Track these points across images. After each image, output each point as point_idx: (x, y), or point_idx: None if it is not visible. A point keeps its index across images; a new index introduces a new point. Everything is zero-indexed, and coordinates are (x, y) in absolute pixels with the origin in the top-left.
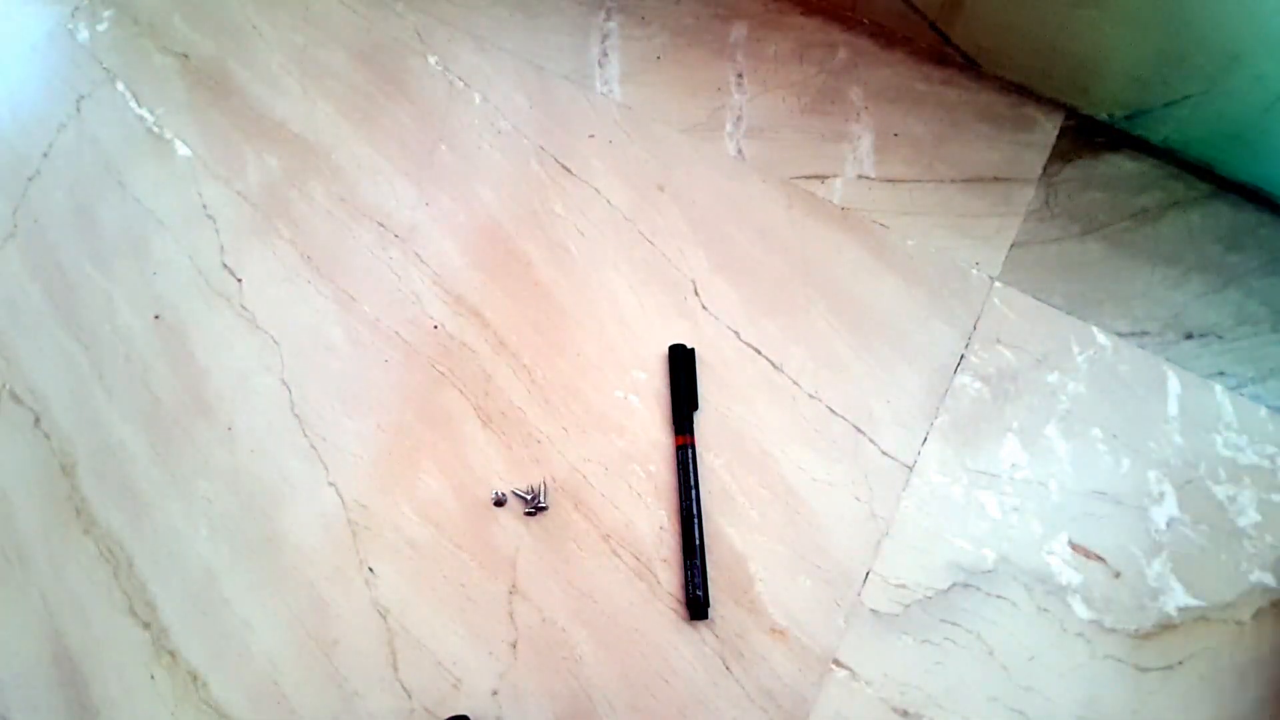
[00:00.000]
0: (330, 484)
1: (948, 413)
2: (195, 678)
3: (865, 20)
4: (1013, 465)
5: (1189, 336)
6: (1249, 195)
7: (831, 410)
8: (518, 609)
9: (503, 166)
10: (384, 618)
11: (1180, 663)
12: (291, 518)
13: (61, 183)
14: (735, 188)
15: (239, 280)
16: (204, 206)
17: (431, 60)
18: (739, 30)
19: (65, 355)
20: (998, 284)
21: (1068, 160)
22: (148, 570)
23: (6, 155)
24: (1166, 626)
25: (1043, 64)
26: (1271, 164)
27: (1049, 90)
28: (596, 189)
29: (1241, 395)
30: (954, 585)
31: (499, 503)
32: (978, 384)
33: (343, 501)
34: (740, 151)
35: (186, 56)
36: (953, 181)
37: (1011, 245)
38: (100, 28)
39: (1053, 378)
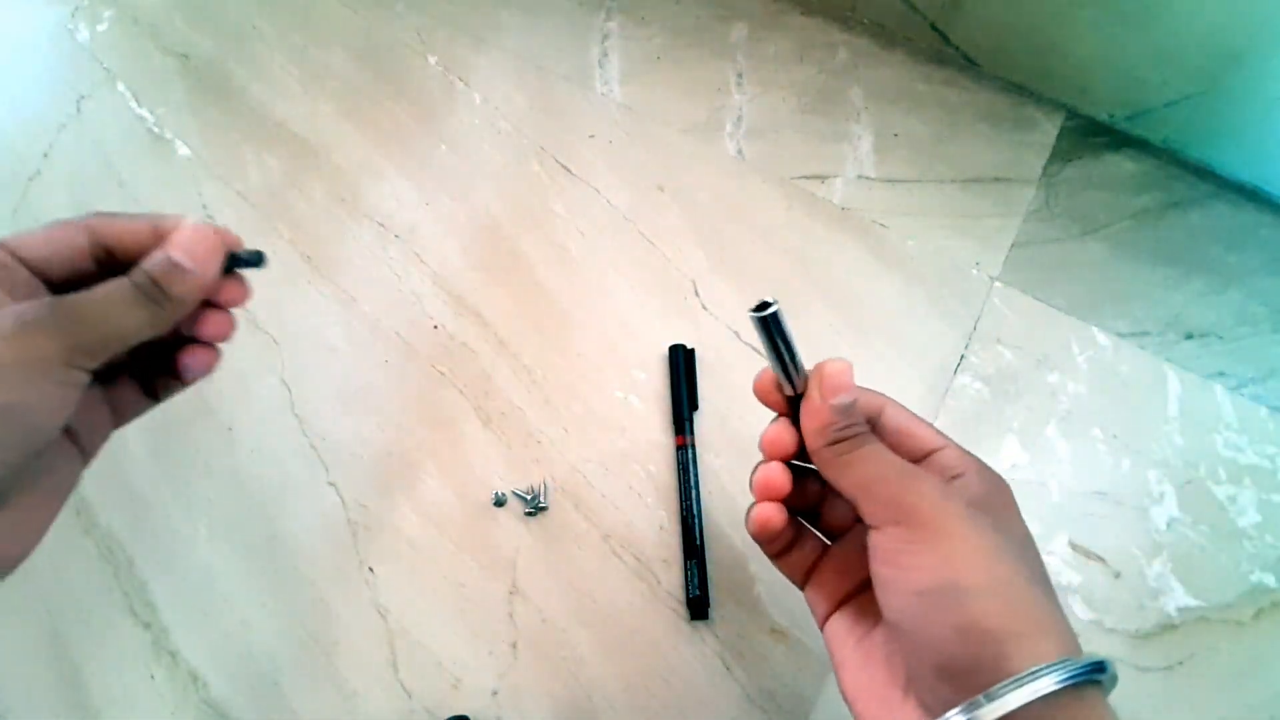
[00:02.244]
0: (330, 484)
1: (948, 413)
2: (195, 678)
3: (865, 20)
4: (1013, 465)
5: (1189, 336)
6: (1249, 195)
7: None
8: (518, 609)
9: (503, 166)
10: (384, 618)
11: (1180, 663)
12: (291, 518)
13: (61, 183)
14: (735, 188)
15: None
16: (204, 206)
17: (431, 60)
18: (739, 30)
19: None
20: (998, 284)
21: (1068, 160)
22: (148, 570)
23: (6, 155)
24: (1166, 626)
25: (1043, 64)
26: (1271, 164)
27: (1049, 90)
28: (596, 189)
29: (1242, 395)
30: None
31: (499, 503)
32: (978, 384)
33: (343, 501)
34: (740, 151)
35: (186, 56)
36: (953, 181)
37: (1011, 245)
38: (100, 28)
39: (1053, 378)
